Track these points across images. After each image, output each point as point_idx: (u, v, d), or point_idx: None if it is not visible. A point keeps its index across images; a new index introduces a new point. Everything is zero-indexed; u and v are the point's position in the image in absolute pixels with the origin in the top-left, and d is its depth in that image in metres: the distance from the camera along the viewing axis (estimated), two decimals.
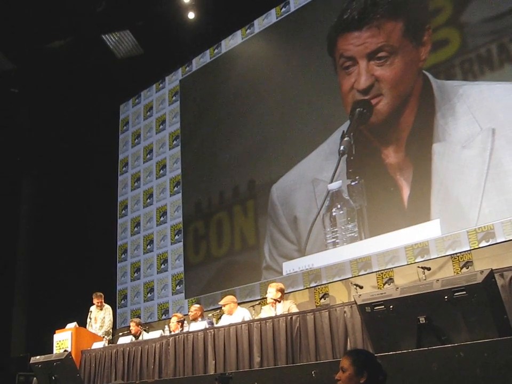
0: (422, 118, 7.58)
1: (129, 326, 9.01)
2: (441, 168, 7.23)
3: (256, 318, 7.06)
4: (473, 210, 6.85)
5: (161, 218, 11.07)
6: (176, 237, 10.65)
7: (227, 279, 9.51)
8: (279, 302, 7.05)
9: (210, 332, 6.74)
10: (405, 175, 7.61)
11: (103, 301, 9.40)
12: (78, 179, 12.12)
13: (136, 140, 12.21)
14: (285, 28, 9.65)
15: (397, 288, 4.36)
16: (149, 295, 10.87)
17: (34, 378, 8.60)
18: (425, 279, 6.06)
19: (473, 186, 6.89)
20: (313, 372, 4.37)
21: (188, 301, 9.96)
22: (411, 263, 7.32)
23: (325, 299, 8.19)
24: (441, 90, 7.45)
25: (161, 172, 11.33)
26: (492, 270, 4.04)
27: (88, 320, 9.36)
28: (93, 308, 9.38)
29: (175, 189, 10.92)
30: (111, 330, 9.39)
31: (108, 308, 9.45)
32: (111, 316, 9.49)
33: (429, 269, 6.49)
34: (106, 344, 8.53)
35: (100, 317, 9.21)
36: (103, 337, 8.97)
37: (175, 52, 11.02)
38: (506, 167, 6.64)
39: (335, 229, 8.19)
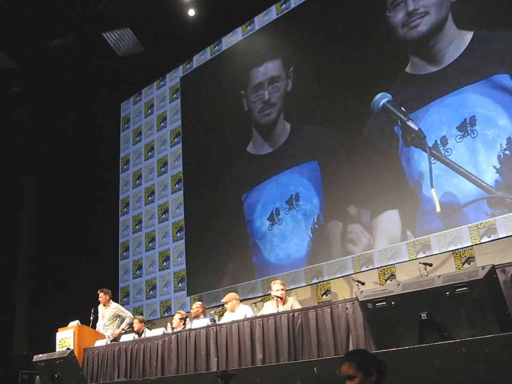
0: None
1: (132, 324, 9.00)
2: None
3: (258, 314, 7.06)
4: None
5: (163, 216, 11.07)
6: (178, 234, 10.65)
7: (229, 276, 9.51)
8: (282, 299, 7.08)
9: (213, 329, 6.73)
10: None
11: (109, 297, 9.27)
12: (80, 177, 12.14)
13: (137, 138, 12.21)
14: (285, 25, 9.62)
15: (399, 284, 4.36)
16: (151, 292, 10.88)
17: (37, 376, 8.62)
18: (427, 275, 6.07)
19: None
20: (315, 369, 4.38)
21: (190, 298, 9.96)
22: (413, 259, 7.33)
23: (327, 295, 8.20)
24: None
25: (163, 169, 11.34)
26: (493, 265, 4.04)
27: (93, 317, 9.16)
28: (99, 307, 9.25)
29: (177, 186, 10.91)
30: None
31: (117, 307, 9.29)
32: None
33: (430, 265, 6.49)
34: (109, 342, 8.53)
35: (108, 315, 9.08)
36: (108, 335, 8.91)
37: (176, 49, 11.00)
38: None
39: None
